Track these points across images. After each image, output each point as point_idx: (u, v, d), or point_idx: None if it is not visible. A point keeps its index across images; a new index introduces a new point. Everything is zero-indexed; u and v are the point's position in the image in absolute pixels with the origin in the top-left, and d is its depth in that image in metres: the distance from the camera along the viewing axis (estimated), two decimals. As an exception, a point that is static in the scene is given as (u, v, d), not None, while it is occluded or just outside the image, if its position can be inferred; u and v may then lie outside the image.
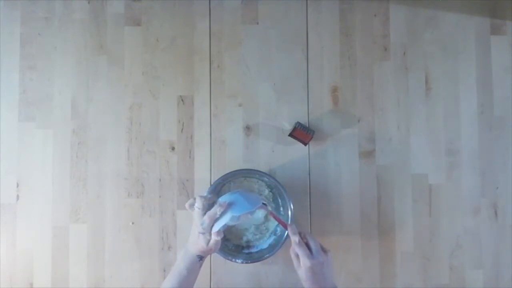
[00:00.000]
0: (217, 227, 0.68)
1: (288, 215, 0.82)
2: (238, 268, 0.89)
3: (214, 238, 0.68)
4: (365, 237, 0.90)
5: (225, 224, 0.69)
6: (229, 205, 0.69)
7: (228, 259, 0.81)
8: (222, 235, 0.69)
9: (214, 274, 0.89)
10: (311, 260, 0.69)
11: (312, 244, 0.71)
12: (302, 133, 0.88)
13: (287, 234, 0.81)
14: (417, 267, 0.91)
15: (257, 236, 0.86)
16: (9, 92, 0.90)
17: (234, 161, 0.90)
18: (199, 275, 0.73)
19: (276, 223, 0.85)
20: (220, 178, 0.82)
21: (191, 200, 0.71)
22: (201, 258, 0.72)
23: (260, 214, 0.86)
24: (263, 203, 0.72)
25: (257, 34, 0.92)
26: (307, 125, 0.91)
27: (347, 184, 0.91)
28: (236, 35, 0.92)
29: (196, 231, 0.70)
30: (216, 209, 0.68)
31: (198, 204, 0.70)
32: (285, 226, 0.74)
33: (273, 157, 0.91)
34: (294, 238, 0.71)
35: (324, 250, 0.72)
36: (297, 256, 0.71)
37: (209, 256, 0.88)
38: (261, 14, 0.93)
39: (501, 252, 0.92)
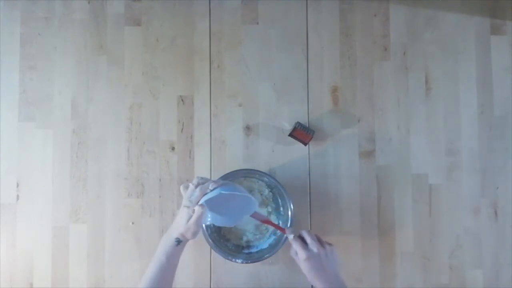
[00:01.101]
0: (202, 201, 0.68)
1: (288, 215, 0.82)
2: (238, 268, 0.88)
3: (197, 209, 0.67)
4: (365, 237, 0.90)
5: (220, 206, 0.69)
6: (222, 185, 0.70)
7: (228, 259, 0.81)
8: (205, 210, 0.68)
9: (214, 274, 0.89)
10: (306, 251, 0.70)
11: (307, 238, 0.72)
12: (302, 133, 0.88)
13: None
14: (417, 267, 0.91)
15: (257, 236, 0.86)
16: (9, 92, 0.90)
17: (234, 161, 0.90)
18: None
19: (276, 222, 0.86)
20: (220, 178, 0.82)
21: (185, 183, 0.71)
22: (179, 242, 0.70)
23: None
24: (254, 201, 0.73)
25: (257, 34, 0.92)
26: (307, 125, 0.91)
27: (347, 184, 0.91)
28: (236, 35, 0.92)
29: (181, 209, 0.70)
30: (209, 184, 0.69)
31: (195, 181, 0.70)
32: (283, 230, 0.75)
33: (273, 157, 0.91)
34: (289, 236, 0.73)
35: (322, 244, 0.72)
36: (296, 254, 0.72)
37: (209, 256, 0.88)
38: (261, 14, 0.93)
39: (501, 252, 0.92)
